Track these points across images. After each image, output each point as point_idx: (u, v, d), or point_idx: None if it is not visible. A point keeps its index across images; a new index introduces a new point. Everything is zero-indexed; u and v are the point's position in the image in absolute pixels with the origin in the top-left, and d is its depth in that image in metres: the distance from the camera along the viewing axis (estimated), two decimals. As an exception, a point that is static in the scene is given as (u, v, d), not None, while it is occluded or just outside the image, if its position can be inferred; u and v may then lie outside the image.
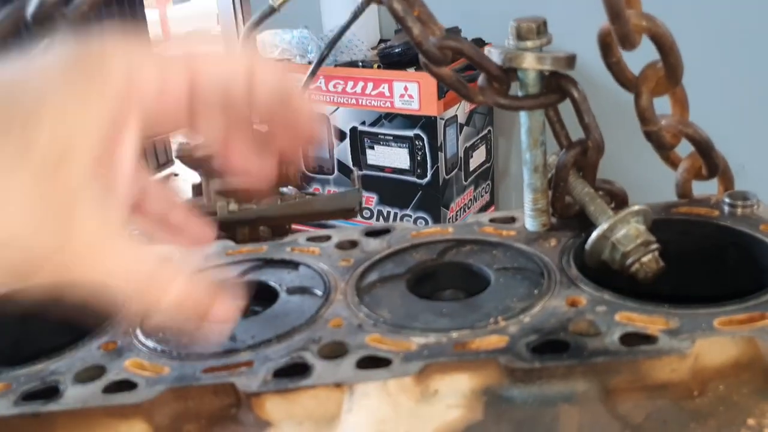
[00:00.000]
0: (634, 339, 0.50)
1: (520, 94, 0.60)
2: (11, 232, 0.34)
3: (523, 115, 0.61)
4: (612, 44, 0.58)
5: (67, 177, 0.35)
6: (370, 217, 2.72)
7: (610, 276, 0.59)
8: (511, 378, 0.48)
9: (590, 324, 0.52)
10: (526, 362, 0.48)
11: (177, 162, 0.85)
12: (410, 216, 2.65)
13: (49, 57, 0.37)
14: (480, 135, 2.73)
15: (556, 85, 0.60)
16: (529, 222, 0.65)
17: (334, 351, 0.51)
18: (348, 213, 0.81)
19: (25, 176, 0.34)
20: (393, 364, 0.49)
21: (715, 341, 0.49)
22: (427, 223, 2.62)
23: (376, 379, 0.48)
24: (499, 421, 0.47)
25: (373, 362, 0.50)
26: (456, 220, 2.69)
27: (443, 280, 0.62)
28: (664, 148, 0.64)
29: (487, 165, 2.83)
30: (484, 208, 2.88)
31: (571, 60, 0.59)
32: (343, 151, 2.68)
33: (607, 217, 0.61)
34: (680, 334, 0.49)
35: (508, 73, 0.59)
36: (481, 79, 0.58)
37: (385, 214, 2.70)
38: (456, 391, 0.49)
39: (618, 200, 0.68)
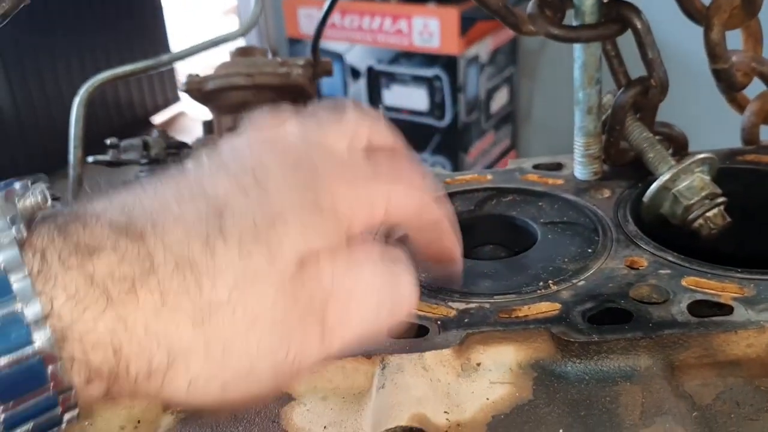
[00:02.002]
0: (704, 308, 0.44)
1: (575, 23, 0.53)
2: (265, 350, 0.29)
3: (577, 49, 0.54)
4: (685, -33, 0.50)
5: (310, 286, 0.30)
6: (387, 160, 2.64)
7: (667, 231, 0.53)
8: (565, 352, 0.42)
9: (654, 289, 0.45)
10: (582, 334, 0.42)
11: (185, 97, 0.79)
12: (427, 160, 2.57)
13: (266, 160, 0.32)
14: (502, 76, 2.62)
15: (617, 13, 0.52)
16: (580, 169, 0.58)
17: (363, 316, 0.45)
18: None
19: (271, 290, 0.29)
20: (430, 334, 0.43)
21: (800, 313, 0.42)
22: (445, 168, 2.55)
23: (411, 350, 0.42)
24: (550, 400, 0.41)
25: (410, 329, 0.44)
26: (476, 165, 2.61)
27: (483, 235, 0.56)
28: (733, 88, 0.57)
29: (510, 108, 2.74)
30: (505, 153, 2.80)
31: (635, -15, 0.51)
32: (358, 91, 2.59)
33: (669, 166, 0.54)
34: (757, 304, 0.43)
35: (562, -1, 0.51)
36: (531, 5, 0.51)
37: (401, 157, 2.62)
38: (501, 365, 0.43)
39: (678, 146, 0.61)
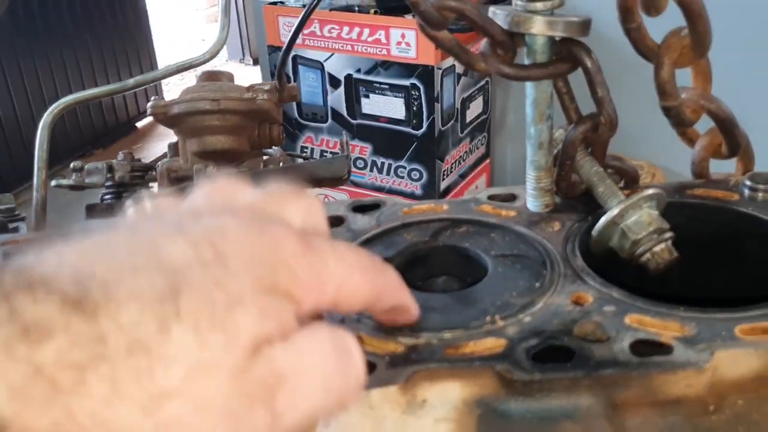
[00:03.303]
0: (645, 347, 0.45)
1: (527, 62, 0.54)
2: None
3: (529, 86, 0.55)
4: (634, 8, 0.51)
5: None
6: (364, 168, 2.65)
7: (616, 265, 0.54)
8: (509, 389, 0.43)
9: (597, 327, 0.46)
10: (525, 372, 0.43)
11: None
12: (404, 167, 2.58)
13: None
14: (477, 86, 2.64)
15: (568, 52, 0.53)
16: (531, 202, 0.59)
17: (312, 351, 0.46)
18: (336, 182, 0.75)
19: (224, 379, 0.27)
20: (378, 370, 0.44)
21: (736, 354, 0.43)
22: (421, 175, 2.56)
23: (357, 388, 0.43)
24: (493, 439, 0.42)
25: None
26: (451, 172, 2.63)
27: (436, 266, 0.57)
28: (683, 124, 0.58)
29: (484, 117, 2.76)
30: (479, 161, 2.82)
31: (585, 25, 0.52)
32: (337, 99, 2.60)
33: (618, 201, 0.55)
34: (697, 344, 0.44)
35: (514, 38, 0.52)
36: (483, 44, 0.52)
37: (378, 165, 2.64)
38: (446, 402, 0.44)
39: (629, 179, 0.62)
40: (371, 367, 0.45)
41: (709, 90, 0.57)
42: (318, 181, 0.75)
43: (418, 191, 2.59)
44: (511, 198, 0.61)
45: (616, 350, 0.44)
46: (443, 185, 2.60)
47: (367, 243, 0.58)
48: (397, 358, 0.45)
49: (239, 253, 0.30)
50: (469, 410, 0.43)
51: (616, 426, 0.43)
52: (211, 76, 0.75)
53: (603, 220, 0.54)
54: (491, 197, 0.62)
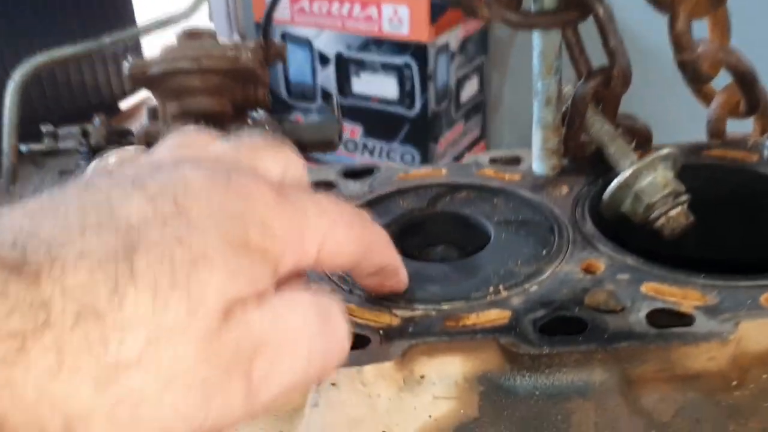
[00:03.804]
0: (664, 317, 0.41)
1: (533, 9, 0.49)
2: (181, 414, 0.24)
3: (536, 36, 0.50)
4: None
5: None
6: (354, 150, 2.60)
7: (628, 231, 0.50)
8: (514, 364, 0.39)
9: (611, 296, 0.42)
10: (532, 346, 0.39)
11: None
12: (397, 150, 2.53)
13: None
14: (473, 65, 2.59)
15: (578, -1, 0.49)
16: (537, 164, 0.55)
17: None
18: (327, 146, 0.70)
19: (190, 346, 0.24)
20: (372, 345, 0.40)
21: (762, 324, 0.39)
22: (414, 158, 2.51)
23: (349, 363, 0.38)
24: (497, 418, 0.38)
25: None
26: (445, 156, 2.58)
27: (434, 234, 0.52)
28: (699, 80, 0.54)
29: (480, 97, 2.71)
30: (474, 144, 2.77)
31: (596, -32, 0.47)
32: (326, 77, 2.54)
33: (630, 162, 0.51)
34: (720, 314, 0.40)
35: (519, -18, 0.48)
36: (486, -11, 0.47)
37: (370, 148, 2.58)
38: (446, 378, 0.39)
39: (641, 139, 0.58)
40: (364, 341, 0.40)
41: (727, 42, 0.53)
42: (307, 146, 0.71)
43: (411, 172, 2.54)
44: (515, 161, 0.57)
45: (632, 321, 0.40)
46: (436, 166, 2.55)
47: (359, 210, 0.53)
48: (393, 331, 0.41)
49: (204, 206, 0.26)
50: (471, 387, 0.39)
51: (631, 403, 0.39)
52: (193, 35, 0.70)
53: (615, 182, 0.50)
54: (493, 160, 0.57)
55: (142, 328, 0.23)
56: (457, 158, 2.65)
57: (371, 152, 2.58)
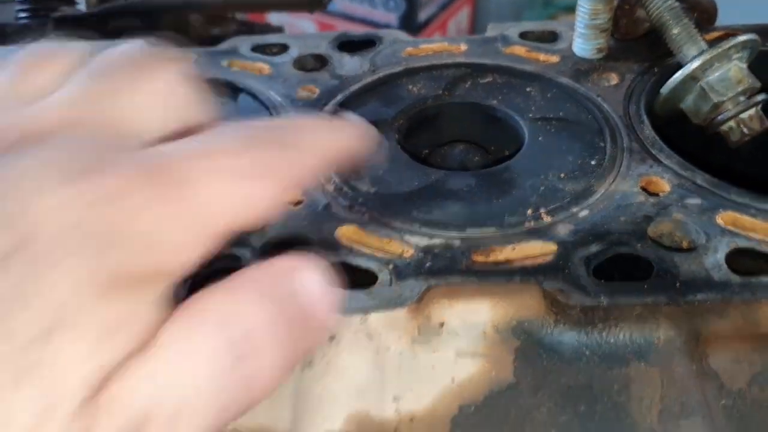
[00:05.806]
0: (747, 260, 0.33)
1: None
2: None
3: None
4: None
5: None
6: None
7: (677, 133, 0.41)
8: (561, 317, 0.31)
9: (680, 228, 0.34)
10: (587, 295, 0.31)
11: None
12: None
13: None
14: None
15: None
16: (581, 44, 0.45)
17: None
18: (310, 6, 0.59)
19: None
20: (378, 284, 0.31)
21: None
22: (397, 4, 2.32)
23: (350, 310, 0.30)
24: (538, 386, 0.30)
25: (347, 276, 0.32)
26: (431, 1, 2.39)
27: (453, 129, 0.43)
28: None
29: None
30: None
31: None
32: None
33: (699, 49, 0.41)
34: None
35: None
36: None
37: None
38: (472, 327, 0.31)
39: (703, 17, 0.47)
40: (369, 278, 0.32)
41: None
42: (286, 3, 0.59)
43: (394, 23, 2.36)
44: (552, 37, 0.46)
45: (709, 264, 0.32)
46: (422, 16, 2.36)
47: (358, 97, 0.43)
48: (405, 267, 0.32)
49: (51, 231, 0.17)
50: (504, 341, 0.31)
51: (697, 364, 0.31)
52: None
53: (679, 74, 0.40)
54: (524, 35, 0.46)
55: None
56: (443, 6, 2.47)
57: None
